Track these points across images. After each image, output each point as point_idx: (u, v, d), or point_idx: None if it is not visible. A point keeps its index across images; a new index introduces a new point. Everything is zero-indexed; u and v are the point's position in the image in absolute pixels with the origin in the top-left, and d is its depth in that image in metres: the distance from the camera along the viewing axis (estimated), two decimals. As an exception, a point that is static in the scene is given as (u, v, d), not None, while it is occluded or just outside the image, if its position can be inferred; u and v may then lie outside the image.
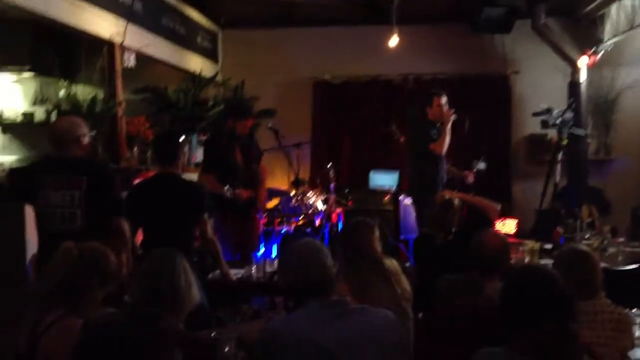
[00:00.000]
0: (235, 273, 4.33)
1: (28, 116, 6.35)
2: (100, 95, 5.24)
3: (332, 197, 7.15)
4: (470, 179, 5.98)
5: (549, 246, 5.30)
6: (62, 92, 5.22)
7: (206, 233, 3.79)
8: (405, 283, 3.22)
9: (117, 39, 5.14)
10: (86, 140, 3.47)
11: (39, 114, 6.28)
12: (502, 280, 2.42)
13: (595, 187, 7.78)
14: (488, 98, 8.20)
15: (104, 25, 5.01)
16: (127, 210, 3.66)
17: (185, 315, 2.42)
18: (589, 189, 7.72)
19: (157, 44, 6.17)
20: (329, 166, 7.32)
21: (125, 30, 5.22)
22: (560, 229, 5.62)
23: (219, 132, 5.53)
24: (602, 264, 4.80)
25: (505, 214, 7.56)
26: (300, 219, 6.99)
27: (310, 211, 6.89)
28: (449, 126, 5.56)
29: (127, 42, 5.37)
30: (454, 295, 2.90)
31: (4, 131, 6.51)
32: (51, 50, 5.52)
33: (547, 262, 4.67)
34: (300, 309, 2.33)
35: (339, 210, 7.07)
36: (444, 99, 5.79)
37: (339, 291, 3.29)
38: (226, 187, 5.04)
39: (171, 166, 3.80)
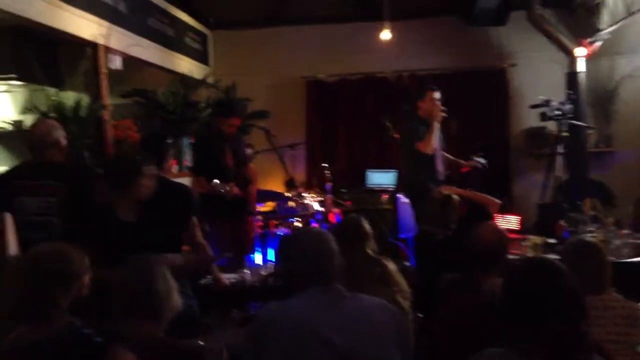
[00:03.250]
0: (229, 277, 4.18)
1: (17, 124, 6.21)
2: (86, 99, 5.08)
3: (329, 197, 7.01)
4: (474, 164, 5.79)
5: (552, 241, 5.16)
6: (51, 99, 5.04)
7: (195, 237, 3.65)
8: (402, 281, 3.09)
9: (101, 41, 4.98)
10: (64, 142, 3.31)
11: (28, 122, 6.12)
12: (503, 275, 2.30)
13: (597, 180, 7.63)
14: (484, 92, 8.06)
15: (86, 26, 4.86)
16: None
17: (167, 323, 2.28)
18: (591, 181, 7.57)
19: (144, 46, 6.02)
20: (323, 166, 7.20)
21: (108, 31, 5.06)
22: (563, 223, 5.48)
23: (207, 133, 5.38)
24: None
25: (506, 210, 7.41)
26: (296, 220, 6.85)
27: (307, 212, 6.75)
28: (437, 125, 5.39)
29: (112, 44, 5.22)
30: (453, 293, 2.76)
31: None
32: (34, 56, 5.35)
33: (552, 256, 4.56)
34: (297, 295, 2.22)
35: (336, 210, 6.92)
36: (437, 94, 5.63)
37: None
38: (216, 181, 4.87)
39: (159, 169, 3.65)
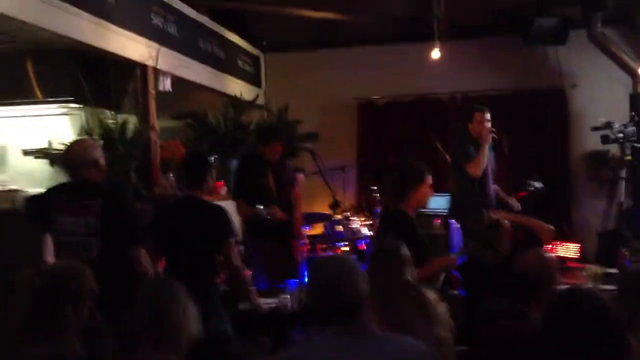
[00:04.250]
0: (268, 302, 4.07)
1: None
2: (134, 120, 5.12)
3: (378, 221, 6.85)
4: (517, 205, 5.52)
5: (613, 270, 4.87)
6: (109, 122, 5.09)
7: (231, 260, 3.55)
8: (443, 311, 2.90)
9: (150, 62, 5.02)
10: (102, 162, 3.30)
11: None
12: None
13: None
14: (543, 114, 7.78)
15: (134, 48, 4.91)
16: (150, 236, 3.49)
17: (185, 350, 2.18)
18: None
19: (194, 68, 6.06)
20: (373, 189, 7.07)
21: (157, 53, 5.10)
22: (625, 252, 5.17)
23: (250, 156, 5.33)
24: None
25: (565, 238, 7.09)
26: (344, 244, 6.72)
27: (354, 237, 6.61)
28: (486, 146, 5.17)
29: (161, 66, 5.25)
30: (497, 322, 2.58)
31: (52, 163, 6.50)
32: (87, 78, 5.45)
33: (610, 287, 4.30)
34: (320, 336, 2.07)
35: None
36: (487, 115, 5.41)
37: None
38: (260, 207, 4.81)
39: (197, 189, 3.61)
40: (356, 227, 6.60)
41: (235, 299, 3.86)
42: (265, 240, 5.14)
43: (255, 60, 8.19)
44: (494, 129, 5.38)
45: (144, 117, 4.97)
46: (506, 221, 3.79)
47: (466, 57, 7.85)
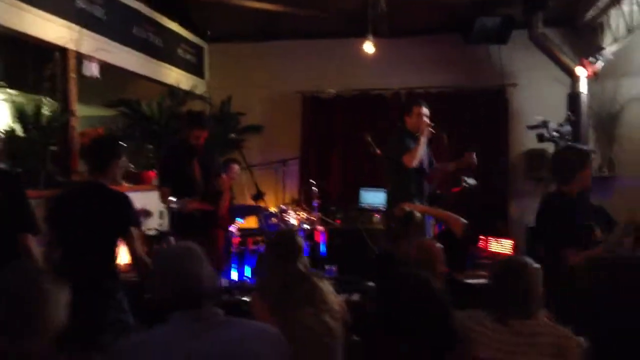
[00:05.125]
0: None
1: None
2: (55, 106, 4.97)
3: (315, 215, 6.81)
4: (452, 167, 5.53)
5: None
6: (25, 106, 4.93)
7: (133, 249, 3.44)
8: (334, 301, 2.88)
9: (71, 46, 4.89)
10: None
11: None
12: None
13: (597, 205, 7.30)
14: (484, 112, 7.85)
15: (55, 30, 4.77)
16: (47, 224, 3.38)
17: (48, 339, 2.09)
18: (591, 206, 7.24)
19: (125, 54, 5.92)
20: (311, 183, 7.02)
21: (80, 36, 4.96)
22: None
23: (175, 143, 5.23)
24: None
25: (500, 234, 7.14)
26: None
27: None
28: (424, 139, 5.18)
29: (86, 50, 5.12)
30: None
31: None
32: (7, 61, 5.28)
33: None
34: (163, 324, 2.01)
35: (321, 229, 6.70)
36: (424, 109, 5.41)
37: (256, 308, 2.99)
38: (172, 199, 4.70)
39: (100, 175, 3.48)
40: (290, 220, 6.55)
41: (141, 288, 3.75)
42: (188, 232, 5.03)
43: (198, 50, 8.08)
44: (431, 124, 5.38)
45: (63, 103, 4.82)
46: (418, 214, 3.75)
47: (409, 54, 7.88)
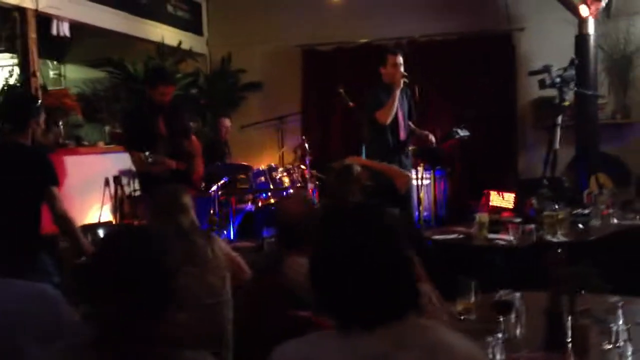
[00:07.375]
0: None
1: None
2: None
3: (306, 171, 6.65)
4: (432, 139, 5.32)
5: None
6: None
7: (55, 208, 3.37)
8: (219, 259, 2.75)
9: (30, 5, 4.80)
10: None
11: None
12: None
13: (612, 154, 6.89)
14: (490, 58, 7.42)
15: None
16: None
17: None
18: (605, 156, 6.84)
19: (99, 12, 5.79)
20: (303, 139, 6.88)
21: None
22: (532, 200, 4.93)
23: (139, 102, 5.11)
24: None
25: (504, 187, 6.81)
26: (268, 196, 6.56)
27: (277, 187, 6.45)
28: (398, 91, 4.94)
29: (47, 9, 5.01)
30: (259, 273, 2.41)
31: None
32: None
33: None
34: None
35: (312, 187, 6.56)
36: (400, 59, 5.15)
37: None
38: (146, 153, 4.55)
39: (19, 134, 3.40)
40: (279, 178, 6.43)
41: (73, 253, 3.68)
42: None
43: (195, 6, 7.91)
44: (405, 74, 5.14)
45: (24, 64, 4.77)
46: (358, 167, 3.54)
47: (410, 2, 7.51)
